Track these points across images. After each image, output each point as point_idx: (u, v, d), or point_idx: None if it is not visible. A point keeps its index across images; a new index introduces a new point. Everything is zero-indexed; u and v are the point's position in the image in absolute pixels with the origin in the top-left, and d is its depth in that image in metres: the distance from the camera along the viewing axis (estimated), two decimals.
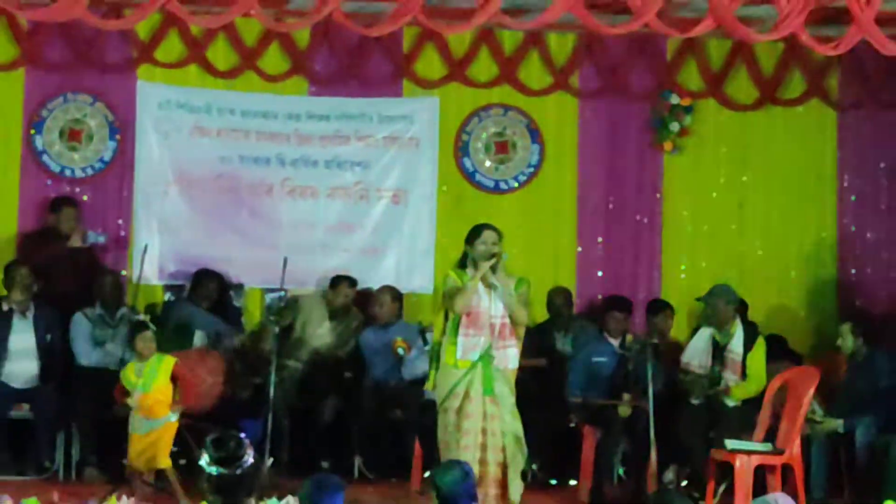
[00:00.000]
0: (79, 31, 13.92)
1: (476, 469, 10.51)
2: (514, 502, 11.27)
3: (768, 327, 14.62)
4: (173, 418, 12.13)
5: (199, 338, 13.42)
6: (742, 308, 14.01)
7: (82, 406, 13.37)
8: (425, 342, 13.86)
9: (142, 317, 13.35)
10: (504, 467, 11.18)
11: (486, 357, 11.14)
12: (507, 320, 11.22)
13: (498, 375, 11.18)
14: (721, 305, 13.69)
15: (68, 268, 14.20)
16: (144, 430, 12.05)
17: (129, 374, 12.28)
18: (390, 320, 14.32)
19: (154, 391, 12.15)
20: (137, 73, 14.99)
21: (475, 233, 11.30)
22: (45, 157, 14.95)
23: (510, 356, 11.28)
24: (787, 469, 12.26)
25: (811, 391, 12.81)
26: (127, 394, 12.18)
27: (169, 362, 12.35)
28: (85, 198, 14.85)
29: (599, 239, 15.57)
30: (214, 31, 14.27)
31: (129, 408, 12.13)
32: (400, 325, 14.30)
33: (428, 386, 11.99)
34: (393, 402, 13.85)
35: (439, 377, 11.41)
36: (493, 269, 11.09)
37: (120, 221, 14.98)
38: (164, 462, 12.02)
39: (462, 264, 11.39)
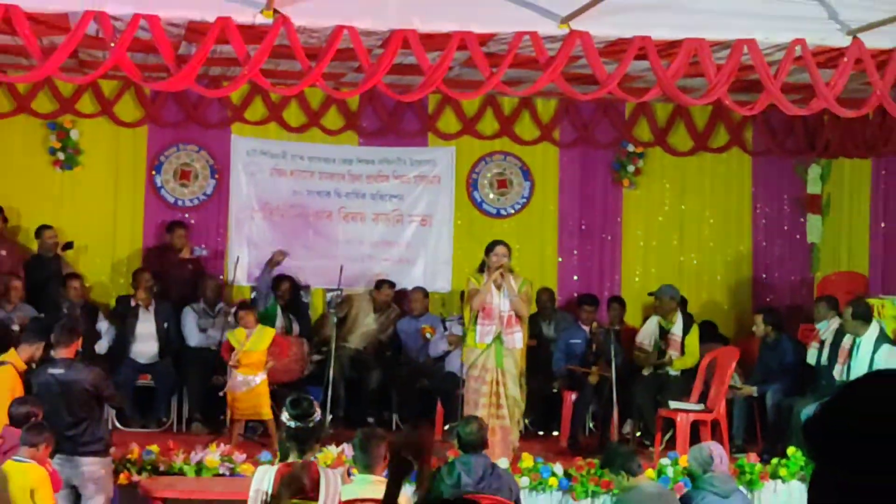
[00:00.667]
0: (188, 98, 14.02)
1: (490, 422, 11.04)
2: (514, 446, 11.73)
3: (701, 316, 14.76)
4: (263, 376, 12.27)
5: (278, 324, 13.44)
6: (682, 302, 14.13)
7: (191, 376, 13.65)
8: (445, 328, 14.03)
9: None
10: (515, 419, 11.81)
11: (499, 340, 11.61)
12: (513, 313, 11.66)
13: (507, 353, 11.67)
14: (666, 300, 13.82)
15: (180, 273, 14.49)
16: (243, 388, 12.25)
17: (238, 336, 12.58)
18: (420, 312, 14.52)
19: (257, 352, 12.39)
20: (231, 128, 15.12)
21: (491, 247, 11.91)
22: (162, 191, 15.08)
23: (517, 339, 11.79)
24: (715, 424, 12.38)
25: (733, 365, 12.92)
26: (231, 350, 12.46)
27: (270, 332, 12.72)
28: (192, 221, 14.97)
29: (575, 252, 15.66)
30: (289, 98, 14.33)
31: (231, 366, 12.38)
32: (427, 316, 14.50)
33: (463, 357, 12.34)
34: (421, 373, 14.11)
35: (465, 353, 12.01)
36: (502, 275, 11.50)
37: (218, 239, 15.13)
38: (267, 414, 12.32)
39: (480, 269, 11.92)
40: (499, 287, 11.66)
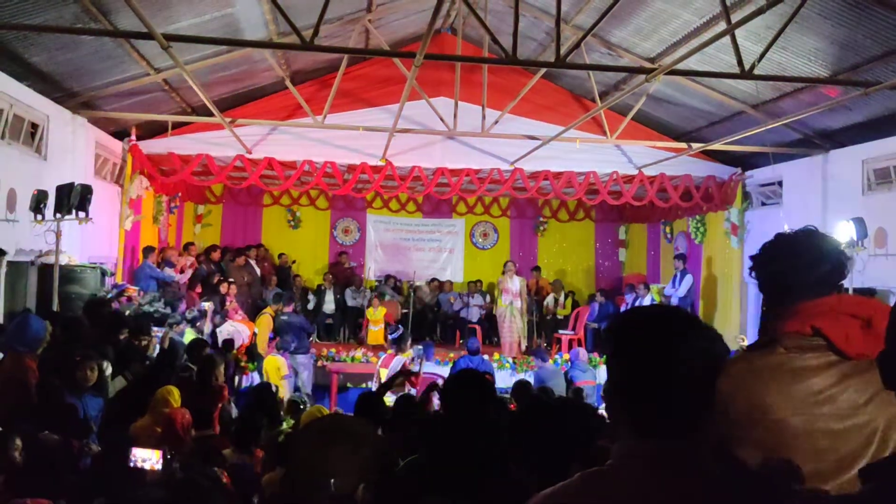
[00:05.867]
0: (347, 197, 13.88)
1: (510, 338, 11.59)
2: (522, 348, 11.70)
3: (575, 292, 14.51)
4: (381, 326, 12.21)
5: (387, 297, 13.35)
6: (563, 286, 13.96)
7: (349, 318, 13.41)
8: (460, 298, 13.82)
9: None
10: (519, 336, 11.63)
11: (511, 303, 11.52)
12: (518, 291, 11.70)
13: (515, 309, 11.60)
14: (557, 286, 13.71)
15: (344, 274, 14.12)
16: (374, 329, 12.18)
17: (371, 311, 12.37)
18: (448, 290, 14.20)
19: (379, 314, 12.26)
20: (367, 211, 14.99)
21: (505, 263, 12.09)
22: (337, 238, 15.01)
23: (517, 303, 11.67)
24: (579, 341, 12.27)
25: (587, 314, 12.82)
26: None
27: (382, 309, 12.39)
28: (350, 252, 14.78)
29: (517, 264, 15.34)
30: (392, 196, 14.32)
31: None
32: (451, 292, 14.11)
33: (494, 311, 12.34)
34: (448, 317, 13.77)
35: (497, 307, 11.95)
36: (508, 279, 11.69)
37: (361, 259, 14.93)
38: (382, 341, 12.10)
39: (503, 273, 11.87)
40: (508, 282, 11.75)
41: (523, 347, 11.72)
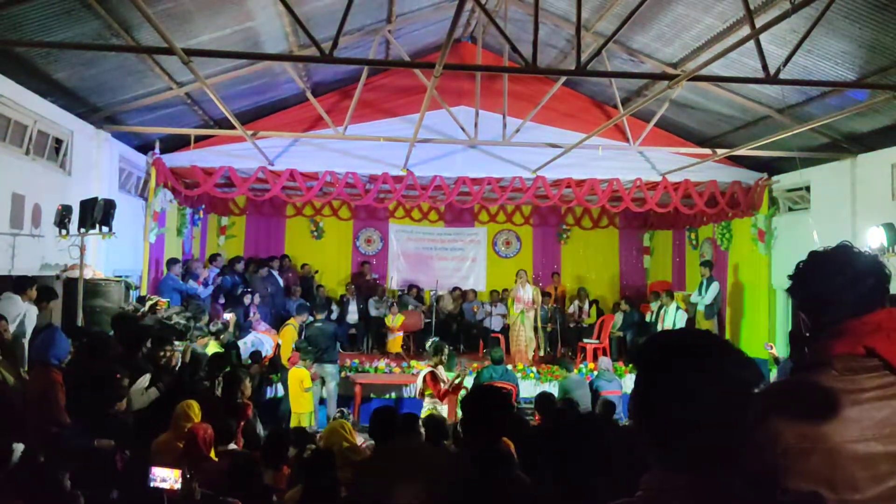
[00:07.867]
0: (369, 206, 13.83)
1: (518, 346, 11.60)
2: (529, 357, 11.67)
3: (600, 301, 14.38)
4: (401, 333, 12.21)
5: (410, 306, 13.32)
6: (587, 294, 13.87)
7: (372, 328, 13.36)
8: (483, 307, 13.76)
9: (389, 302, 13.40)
10: (527, 346, 11.64)
11: (523, 312, 11.55)
12: (529, 300, 11.72)
13: (526, 318, 11.65)
14: (582, 294, 13.60)
15: (367, 284, 14.08)
16: (392, 337, 12.24)
17: (390, 319, 12.33)
18: (471, 300, 14.13)
19: (397, 321, 12.21)
20: (389, 221, 14.96)
21: (517, 272, 12.08)
22: (359, 248, 14.99)
23: (531, 314, 11.75)
24: (604, 350, 12.14)
25: (611, 323, 12.68)
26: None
27: (400, 317, 12.36)
28: (374, 262, 14.74)
29: (540, 273, 15.14)
30: (413, 206, 14.28)
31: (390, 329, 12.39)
32: (475, 301, 14.08)
33: (508, 320, 12.48)
34: (472, 327, 13.67)
35: (511, 317, 12.05)
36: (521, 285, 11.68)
37: (383, 269, 14.88)
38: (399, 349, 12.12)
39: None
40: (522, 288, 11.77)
41: (529, 356, 11.72)
